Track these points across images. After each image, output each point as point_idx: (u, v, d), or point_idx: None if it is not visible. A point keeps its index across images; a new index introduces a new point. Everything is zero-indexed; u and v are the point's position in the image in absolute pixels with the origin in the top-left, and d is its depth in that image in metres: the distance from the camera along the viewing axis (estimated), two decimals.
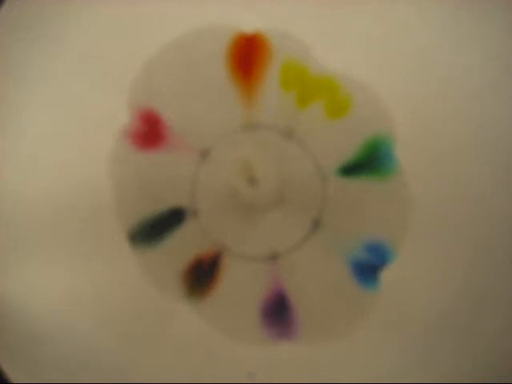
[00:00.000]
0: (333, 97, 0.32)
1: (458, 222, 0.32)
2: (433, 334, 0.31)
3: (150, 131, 0.32)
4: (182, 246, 0.32)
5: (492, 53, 0.31)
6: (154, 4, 0.31)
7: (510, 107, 0.31)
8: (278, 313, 0.32)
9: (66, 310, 0.31)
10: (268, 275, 0.32)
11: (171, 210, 0.32)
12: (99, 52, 0.31)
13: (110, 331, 0.31)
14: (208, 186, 0.32)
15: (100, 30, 0.31)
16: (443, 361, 0.31)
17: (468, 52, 0.32)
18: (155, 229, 0.32)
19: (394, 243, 0.32)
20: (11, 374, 0.29)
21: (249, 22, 0.32)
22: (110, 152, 0.32)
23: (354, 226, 0.32)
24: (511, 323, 0.31)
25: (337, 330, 0.32)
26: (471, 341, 0.31)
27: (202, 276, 0.32)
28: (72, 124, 0.32)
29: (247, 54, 0.32)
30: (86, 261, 0.31)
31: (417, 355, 0.31)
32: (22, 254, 0.31)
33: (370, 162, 0.32)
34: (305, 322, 0.32)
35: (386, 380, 0.31)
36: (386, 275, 0.32)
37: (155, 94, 0.32)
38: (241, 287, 0.32)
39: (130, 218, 0.32)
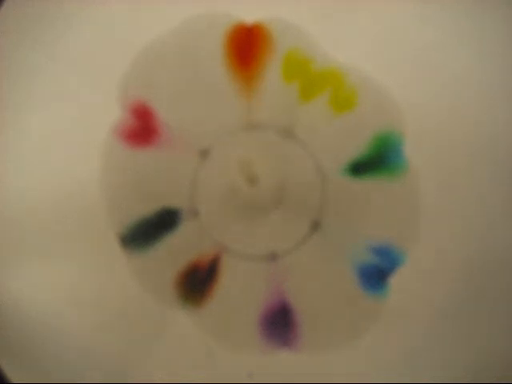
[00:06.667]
0: (338, 90, 0.31)
1: (470, 221, 0.30)
2: (441, 340, 0.30)
3: (143, 127, 0.31)
4: (181, 247, 0.31)
5: (502, 49, 0.30)
6: None
7: None
8: (279, 319, 0.31)
9: (64, 311, 0.31)
10: (268, 277, 0.31)
11: (166, 212, 0.31)
12: (94, 46, 0.31)
13: (107, 333, 0.31)
14: (207, 186, 0.31)
15: (96, 23, 0.31)
16: (448, 369, 0.29)
17: (478, 48, 0.30)
18: (149, 231, 0.31)
19: (402, 245, 0.30)
20: (11, 374, 0.29)
21: (249, 12, 0.30)
22: (102, 150, 0.31)
23: (358, 228, 0.30)
24: None
25: (340, 337, 0.30)
26: (477, 345, 0.29)
27: (200, 279, 0.31)
28: (66, 122, 0.31)
29: (247, 46, 0.31)
30: (78, 262, 0.31)
31: (426, 368, 0.30)
32: (17, 254, 0.31)
33: (377, 159, 0.30)
34: (307, 328, 0.31)
35: None
36: (394, 279, 0.30)
37: (149, 88, 0.31)
38: (240, 289, 0.31)
39: (122, 220, 0.31)
